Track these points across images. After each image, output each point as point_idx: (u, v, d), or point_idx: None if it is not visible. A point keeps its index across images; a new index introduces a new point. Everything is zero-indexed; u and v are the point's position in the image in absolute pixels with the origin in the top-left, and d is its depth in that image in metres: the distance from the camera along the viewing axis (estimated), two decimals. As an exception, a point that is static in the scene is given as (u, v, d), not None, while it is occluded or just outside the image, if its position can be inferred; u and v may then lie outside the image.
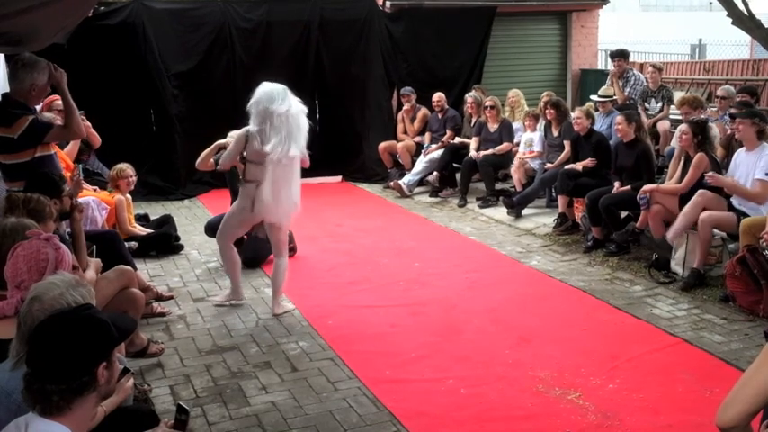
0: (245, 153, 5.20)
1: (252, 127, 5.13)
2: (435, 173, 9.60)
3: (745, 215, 5.68)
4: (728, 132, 6.92)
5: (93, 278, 4.14)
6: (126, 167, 6.93)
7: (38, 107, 5.57)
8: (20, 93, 4.79)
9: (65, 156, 6.45)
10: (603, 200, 6.75)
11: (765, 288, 5.15)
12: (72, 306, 2.31)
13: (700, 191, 5.90)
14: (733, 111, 7.18)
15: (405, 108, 10.40)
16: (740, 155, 5.96)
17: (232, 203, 5.88)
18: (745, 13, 9.31)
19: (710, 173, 5.85)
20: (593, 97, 8.86)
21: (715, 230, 5.90)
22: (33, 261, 2.88)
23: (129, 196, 6.99)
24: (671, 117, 8.88)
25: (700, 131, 6.16)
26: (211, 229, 6.50)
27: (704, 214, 5.76)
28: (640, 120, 7.19)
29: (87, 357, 2.03)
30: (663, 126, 8.69)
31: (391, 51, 11.03)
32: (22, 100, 4.80)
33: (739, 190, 5.80)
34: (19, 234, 3.17)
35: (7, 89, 6.50)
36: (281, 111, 5.02)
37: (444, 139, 9.80)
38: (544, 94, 9.56)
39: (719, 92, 8.25)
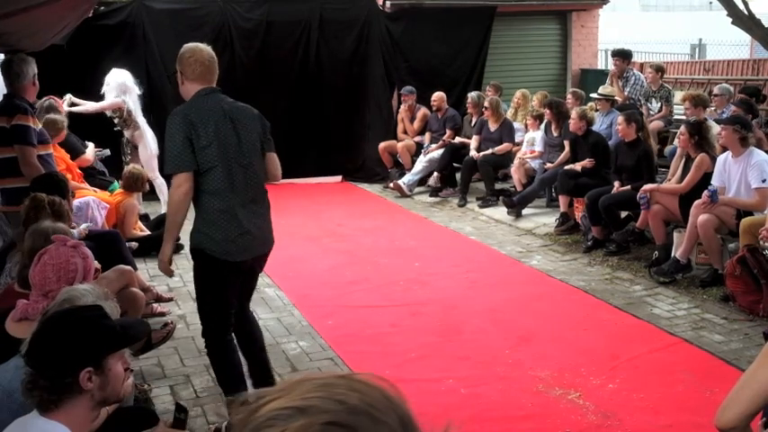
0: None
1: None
2: (436, 174, 9.59)
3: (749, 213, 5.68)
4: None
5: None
6: (142, 170, 6.99)
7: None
8: (25, 87, 4.80)
9: (65, 157, 6.46)
10: (603, 200, 6.75)
11: (765, 288, 5.15)
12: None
13: (707, 216, 5.73)
14: (734, 109, 7.18)
15: (404, 108, 10.39)
16: (727, 161, 5.89)
17: None
18: (745, 12, 9.31)
19: (708, 205, 5.73)
20: (593, 95, 8.88)
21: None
22: (63, 271, 2.88)
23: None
24: (675, 117, 8.88)
25: (696, 132, 6.14)
26: None
27: (703, 217, 5.73)
28: (642, 120, 7.17)
29: (68, 359, 2.00)
30: (655, 126, 8.66)
31: (391, 51, 11.00)
32: (26, 96, 4.82)
33: (738, 203, 5.77)
34: None
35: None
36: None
37: (444, 138, 9.80)
38: (535, 95, 9.56)
39: (715, 90, 8.25)
